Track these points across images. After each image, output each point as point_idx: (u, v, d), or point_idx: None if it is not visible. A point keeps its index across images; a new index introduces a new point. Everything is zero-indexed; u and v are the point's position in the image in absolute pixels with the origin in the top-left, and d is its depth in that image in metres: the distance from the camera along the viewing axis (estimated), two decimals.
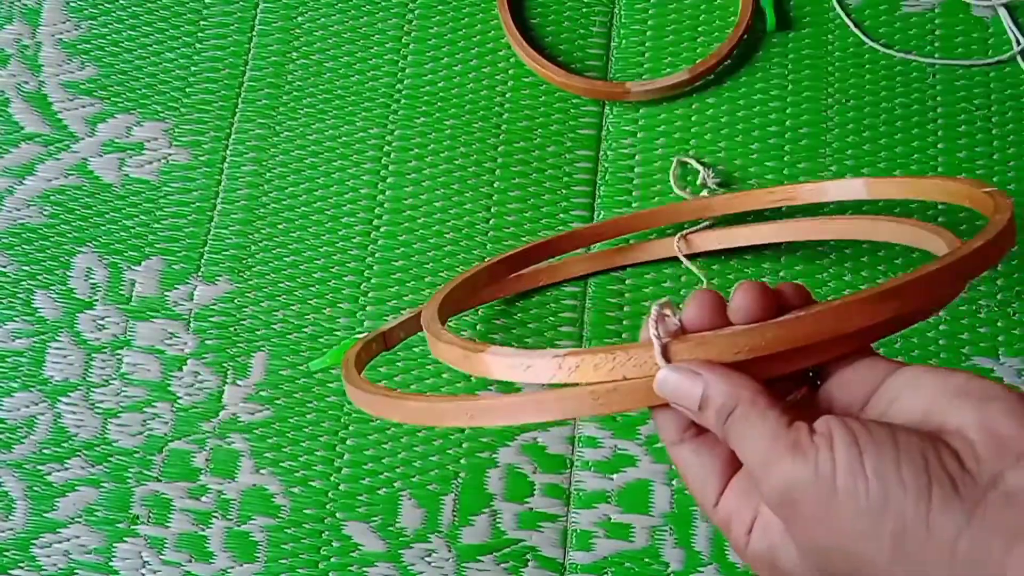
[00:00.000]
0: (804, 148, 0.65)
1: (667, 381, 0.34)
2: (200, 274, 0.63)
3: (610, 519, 0.58)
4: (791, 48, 0.67)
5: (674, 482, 0.58)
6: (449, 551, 0.58)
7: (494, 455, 0.59)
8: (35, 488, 0.59)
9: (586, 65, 0.67)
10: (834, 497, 0.31)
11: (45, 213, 0.65)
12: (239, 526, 0.59)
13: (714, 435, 0.36)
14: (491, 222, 0.64)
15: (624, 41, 0.68)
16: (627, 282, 0.63)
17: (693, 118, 0.66)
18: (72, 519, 0.59)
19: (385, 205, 0.65)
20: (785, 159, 0.65)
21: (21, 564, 0.58)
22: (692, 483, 0.37)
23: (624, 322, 0.62)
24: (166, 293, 0.63)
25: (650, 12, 0.69)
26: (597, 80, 0.67)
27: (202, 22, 0.69)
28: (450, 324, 0.62)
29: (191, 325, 0.62)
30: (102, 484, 0.59)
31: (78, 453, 0.60)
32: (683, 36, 0.68)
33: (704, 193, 0.63)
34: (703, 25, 0.68)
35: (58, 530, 0.59)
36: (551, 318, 0.62)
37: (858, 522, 0.30)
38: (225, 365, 0.62)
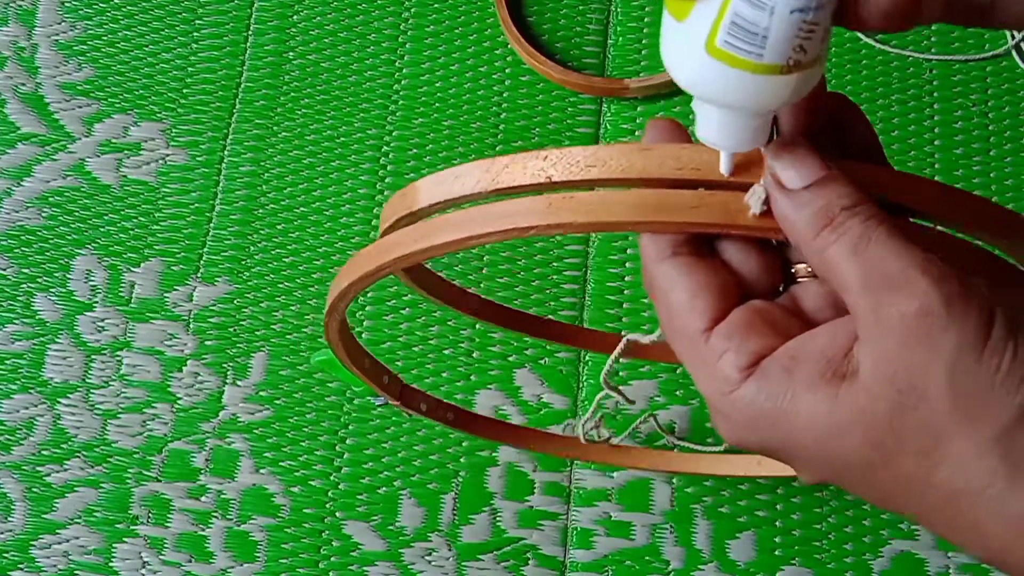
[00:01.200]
0: None
1: (784, 149, 0.29)
2: (199, 275, 0.63)
3: (610, 517, 0.58)
4: None
5: (674, 480, 0.59)
6: (449, 550, 0.58)
7: (494, 453, 0.59)
8: (34, 489, 0.59)
9: (583, 63, 0.67)
10: (978, 351, 0.27)
11: (44, 215, 0.65)
12: (239, 526, 0.59)
13: (714, 255, 0.32)
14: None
15: (621, 39, 0.68)
16: (627, 279, 0.63)
17: (691, 116, 0.66)
18: (71, 520, 0.59)
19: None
20: None
21: (20, 565, 0.58)
22: (675, 303, 0.31)
23: (623, 320, 0.62)
24: (165, 294, 0.63)
25: (646, 9, 0.69)
26: (595, 76, 0.67)
27: (197, 21, 0.69)
28: (447, 317, 0.62)
29: (191, 326, 0.62)
30: (101, 485, 0.59)
31: (77, 454, 0.60)
32: None
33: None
34: None
35: (57, 531, 0.59)
36: (552, 302, 0.62)
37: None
38: (225, 365, 0.62)
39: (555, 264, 0.63)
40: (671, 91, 0.66)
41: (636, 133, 0.66)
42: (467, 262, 0.63)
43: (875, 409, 0.28)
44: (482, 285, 0.62)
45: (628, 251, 0.63)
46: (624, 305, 0.62)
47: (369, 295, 0.63)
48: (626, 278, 0.63)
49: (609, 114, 0.66)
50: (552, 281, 0.63)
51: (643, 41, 0.68)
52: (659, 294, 0.32)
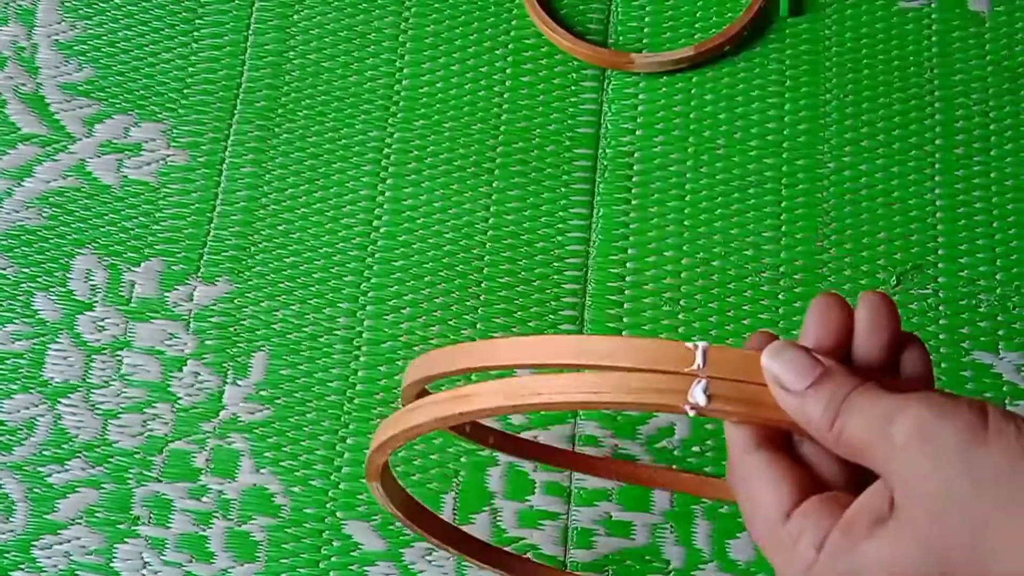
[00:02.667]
0: (802, 144, 0.65)
1: (782, 352, 0.33)
2: (200, 275, 0.63)
3: (611, 517, 0.58)
4: (791, 37, 0.67)
5: None
6: None
7: (494, 453, 0.59)
8: (35, 490, 0.59)
9: (588, 29, 0.68)
10: (981, 437, 0.30)
11: (44, 215, 0.65)
12: (240, 526, 0.59)
13: (786, 449, 0.35)
14: (491, 222, 0.64)
15: (624, 16, 0.68)
16: (627, 279, 0.63)
17: (693, 102, 0.66)
18: (73, 520, 0.59)
19: (385, 206, 0.65)
20: (784, 156, 0.65)
21: (21, 566, 0.58)
22: (760, 493, 0.35)
23: (624, 320, 0.62)
24: (166, 294, 0.63)
25: None
26: (602, 48, 0.67)
27: (198, 21, 0.69)
28: (447, 317, 0.62)
29: (191, 326, 0.62)
30: (102, 485, 0.59)
31: (78, 454, 0.60)
32: (683, 12, 0.69)
33: None
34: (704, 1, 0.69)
35: (59, 531, 0.59)
36: (552, 302, 0.62)
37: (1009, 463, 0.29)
38: (225, 365, 0.62)
39: (555, 264, 0.63)
40: (675, 69, 0.67)
41: (638, 108, 0.66)
42: (467, 262, 0.63)
43: (918, 526, 0.31)
44: (483, 285, 0.62)
45: (629, 251, 0.63)
46: (625, 305, 0.62)
47: (370, 295, 0.63)
48: (627, 278, 0.63)
49: (610, 114, 0.66)
50: (552, 281, 0.63)
51: (646, 20, 0.69)
52: (743, 483, 0.35)
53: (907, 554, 0.31)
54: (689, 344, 0.34)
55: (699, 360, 0.33)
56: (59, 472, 0.60)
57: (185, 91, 0.68)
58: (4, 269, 0.64)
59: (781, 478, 0.34)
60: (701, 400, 0.33)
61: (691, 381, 0.33)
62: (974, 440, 0.30)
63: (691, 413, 0.33)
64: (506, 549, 0.57)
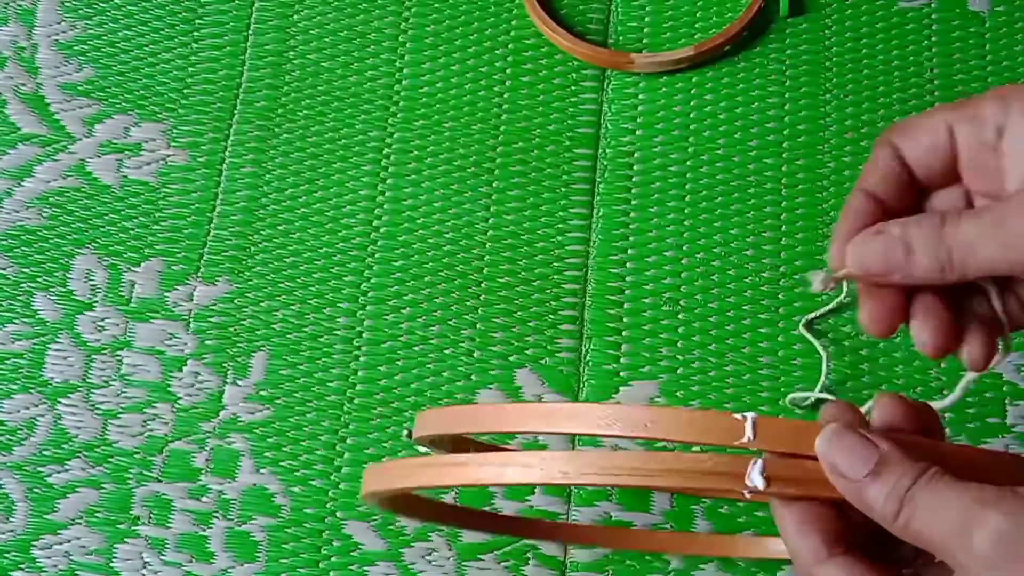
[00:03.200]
0: (802, 145, 0.65)
1: (837, 438, 0.33)
2: (200, 275, 0.63)
3: (611, 517, 0.58)
4: (791, 37, 0.67)
5: None
6: (450, 550, 0.58)
7: None
8: (35, 490, 0.59)
9: (588, 29, 0.68)
10: None
11: (44, 215, 0.65)
12: (240, 526, 0.59)
13: (860, 548, 0.35)
14: (491, 222, 0.64)
15: (624, 16, 0.68)
16: (627, 279, 0.63)
17: (693, 102, 0.66)
18: (73, 520, 0.59)
19: (385, 206, 0.65)
20: (784, 155, 0.65)
21: (22, 566, 0.58)
22: None
23: (624, 320, 0.62)
24: (166, 294, 0.63)
25: None
26: (602, 48, 0.67)
27: (198, 21, 0.69)
28: (447, 317, 0.62)
29: (191, 326, 0.62)
30: (103, 485, 0.59)
31: (78, 454, 0.60)
32: (683, 12, 0.69)
33: None
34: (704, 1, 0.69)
35: (59, 531, 0.59)
36: (551, 316, 0.62)
37: None
38: (225, 365, 0.62)
39: (555, 264, 0.63)
40: (675, 69, 0.67)
41: (638, 108, 0.66)
42: (468, 262, 0.63)
43: None
44: (483, 285, 0.63)
45: (629, 251, 0.63)
46: (625, 305, 0.62)
47: (370, 295, 0.63)
48: (627, 278, 0.63)
49: (610, 114, 0.66)
50: (552, 281, 0.63)
51: (646, 20, 0.68)
52: None
53: None
54: (737, 416, 0.33)
55: (749, 433, 0.33)
56: (59, 472, 0.60)
57: (185, 91, 0.68)
58: (4, 269, 0.64)
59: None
60: (759, 483, 0.32)
61: (747, 462, 0.33)
62: None
63: (748, 496, 0.33)
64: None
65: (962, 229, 0.34)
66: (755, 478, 0.32)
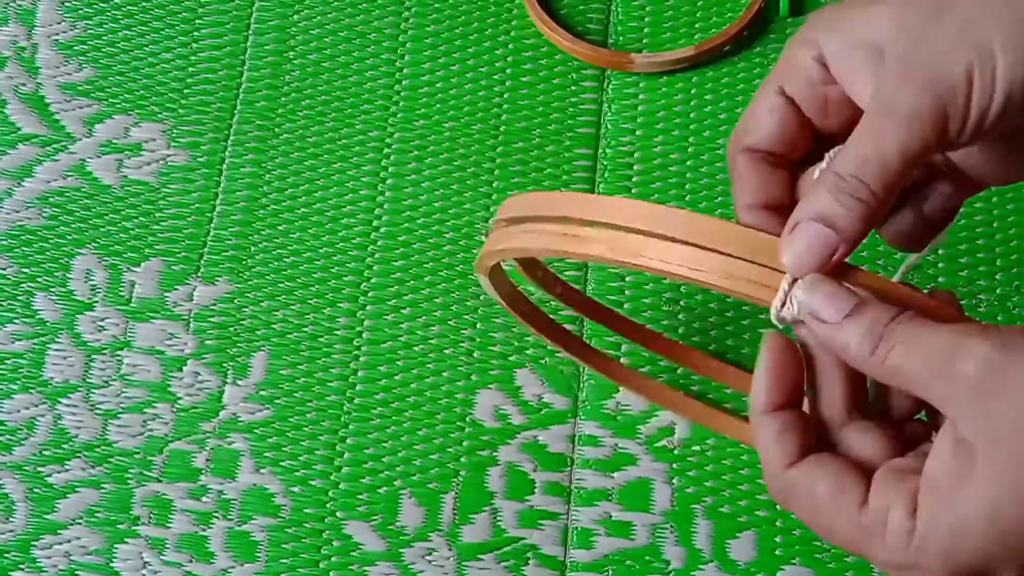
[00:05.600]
0: None
1: (818, 285, 0.33)
2: (200, 275, 0.63)
3: (611, 517, 0.58)
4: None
5: (675, 480, 0.59)
6: (450, 550, 0.58)
7: (494, 453, 0.59)
8: (35, 490, 0.59)
9: (588, 29, 0.68)
10: None
11: (44, 215, 0.65)
12: (240, 526, 0.59)
13: (831, 448, 0.35)
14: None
15: (624, 16, 0.68)
16: (627, 279, 0.63)
17: (693, 102, 0.66)
18: (73, 520, 0.59)
19: (385, 205, 0.65)
20: None
21: (21, 566, 0.58)
22: (823, 495, 0.34)
23: (624, 308, 0.62)
24: (166, 294, 0.63)
25: None
26: (602, 48, 0.67)
27: (198, 21, 0.69)
28: (447, 317, 0.62)
29: (191, 326, 0.62)
30: (103, 485, 0.59)
31: (78, 454, 0.60)
32: (683, 12, 0.69)
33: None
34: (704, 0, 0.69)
35: (59, 531, 0.59)
36: (553, 301, 0.62)
37: None
38: (225, 365, 0.62)
39: (555, 264, 0.63)
40: (675, 69, 0.67)
41: (638, 108, 0.66)
42: (468, 262, 0.63)
43: (1007, 466, 0.30)
44: (479, 311, 0.62)
45: None
46: (625, 305, 0.62)
47: (370, 295, 0.63)
48: (627, 278, 0.63)
49: (610, 114, 0.66)
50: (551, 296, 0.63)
51: (646, 20, 0.69)
52: (797, 495, 0.34)
53: (1004, 495, 0.30)
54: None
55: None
56: (59, 472, 0.60)
57: (185, 91, 0.68)
58: (4, 269, 0.64)
59: (841, 472, 0.34)
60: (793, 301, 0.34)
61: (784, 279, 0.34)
62: None
63: (776, 308, 0.34)
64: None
65: None
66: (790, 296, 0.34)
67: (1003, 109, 0.33)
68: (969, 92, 0.33)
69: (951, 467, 0.31)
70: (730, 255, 0.34)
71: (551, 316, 0.58)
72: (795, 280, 0.34)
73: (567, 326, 0.59)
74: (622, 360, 0.61)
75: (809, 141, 0.39)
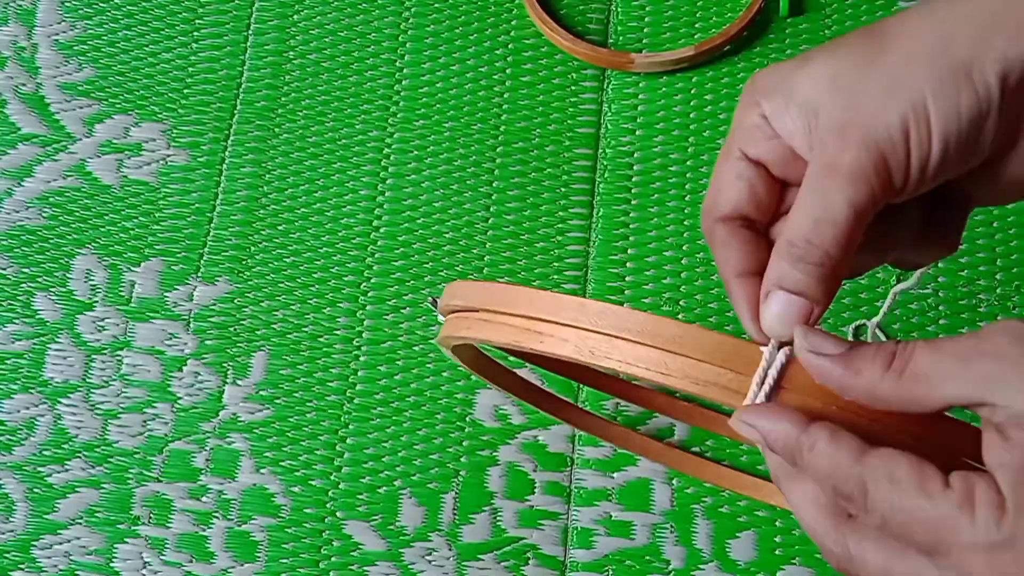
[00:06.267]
0: None
1: (809, 335, 0.33)
2: (200, 275, 0.63)
3: (611, 517, 0.58)
4: (791, 37, 0.67)
5: (674, 480, 0.59)
6: (450, 549, 0.58)
7: (495, 453, 0.59)
8: (36, 490, 0.59)
9: (588, 30, 0.68)
10: None
11: (44, 215, 0.65)
12: (240, 526, 0.59)
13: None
14: (490, 221, 0.64)
15: (624, 16, 0.68)
16: (627, 279, 0.63)
17: (693, 102, 0.66)
18: (73, 520, 0.59)
19: (385, 206, 0.65)
20: None
21: (21, 566, 0.58)
22: (907, 479, 0.32)
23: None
24: (166, 294, 0.63)
25: None
26: (601, 48, 0.67)
27: (198, 21, 0.69)
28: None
29: (191, 325, 0.62)
30: (103, 485, 0.59)
31: (78, 454, 0.60)
32: (682, 12, 0.69)
33: None
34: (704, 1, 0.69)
35: (59, 531, 0.59)
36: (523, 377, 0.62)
37: None
38: (225, 365, 0.62)
39: (555, 264, 0.63)
40: (675, 69, 0.67)
41: (638, 108, 0.66)
42: (468, 263, 0.63)
43: None
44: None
45: (629, 251, 0.63)
46: (624, 306, 0.62)
47: (370, 295, 0.63)
48: (627, 278, 0.63)
49: (610, 113, 0.66)
50: (552, 281, 0.63)
51: (646, 20, 0.68)
52: (877, 480, 0.32)
53: None
54: (764, 349, 0.34)
55: (773, 373, 0.34)
56: (59, 472, 0.60)
57: (185, 91, 0.68)
58: (4, 269, 0.64)
59: (916, 459, 0.32)
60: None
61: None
62: None
63: (753, 393, 0.34)
64: (569, 401, 0.59)
65: None
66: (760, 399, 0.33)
67: (942, 158, 0.34)
68: (907, 145, 0.33)
69: (1016, 444, 0.30)
70: (696, 359, 0.34)
71: (524, 379, 0.57)
72: (781, 346, 0.34)
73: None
74: (617, 420, 0.61)
75: (778, 199, 0.39)
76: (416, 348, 0.61)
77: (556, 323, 0.36)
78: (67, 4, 0.70)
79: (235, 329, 0.62)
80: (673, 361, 0.34)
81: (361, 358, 0.62)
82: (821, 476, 0.33)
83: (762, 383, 0.33)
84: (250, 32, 0.69)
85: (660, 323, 0.34)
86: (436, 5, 0.69)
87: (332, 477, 0.59)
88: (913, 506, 0.31)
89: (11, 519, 0.59)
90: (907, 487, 0.31)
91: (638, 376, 0.34)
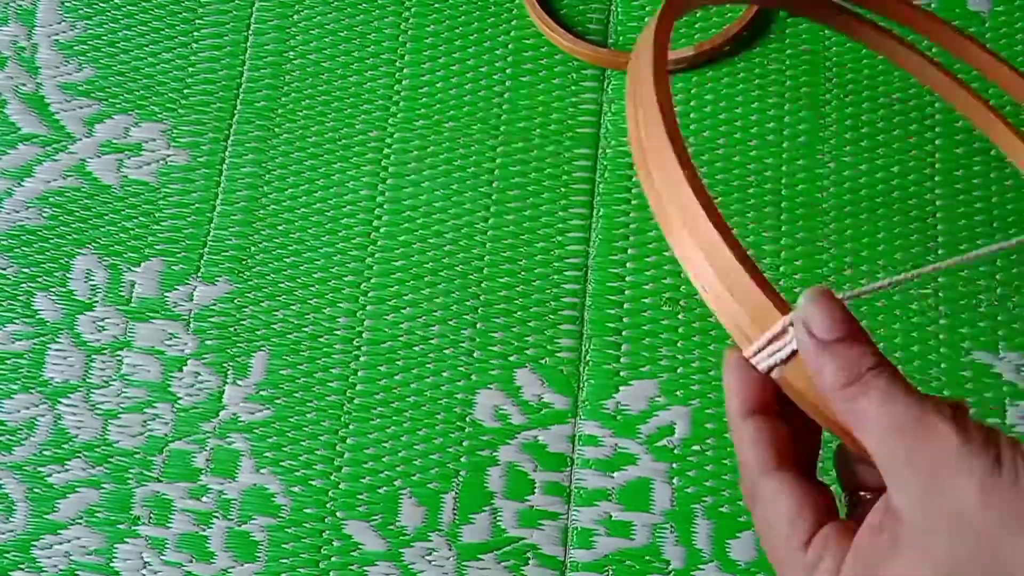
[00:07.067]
0: (802, 145, 0.65)
1: (821, 298, 0.33)
2: (200, 275, 0.63)
3: (611, 517, 0.58)
4: (791, 37, 0.67)
5: (675, 480, 0.59)
6: (450, 549, 0.58)
7: (495, 453, 0.59)
8: (36, 490, 0.59)
9: (588, 29, 0.68)
10: (997, 470, 0.30)
11: (44, 215, 0.65)
12: (240, 526, 0.59)
13: (803, 469, 0.35)
14: (490, 222, 0.64)
15: (624, 16, 0.68)
16: (627, 279, 0.63)
17: (693, 102, 0.66)
18: (73, 520, 0.59)
19: (385, 206, 0.65)
20: (783, 155, 0.65)
21: (22, 566, 0.58)
22: (779, 520, 0.35)
23: (624, 320, 0.62)
24: (166, 294, 0.63)
25: None
26: (601, 48, 0.67)
27: (198, 21, 0.69)
28: (447, 317, 0.62)
29: (191, 326, 0.62)
30: (103, 485, 0.59)
31: (79, 454, 0.60)
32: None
33: None
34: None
35: (59, 531, 0.59)
36: (552, 302, 0.62)
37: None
38: (225, 365, 0.62)
39: (555, 264, 0.63)
40: (675, 69, 0.67)
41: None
42: (468, 262, 0.63)
43: (934, 551, 0.31)
44: (483, 285, 0.63)
45: (629, 251, 0.63)
46: (625, 305, 0.62)
47: (370, 295, 0.63)
48: (627, 278, 0.63)
49: (611, 114, 0.66)
50: (552, 281, 0.63)
51: (645, 20, 0.68)
52: (759, 505, 0.35)
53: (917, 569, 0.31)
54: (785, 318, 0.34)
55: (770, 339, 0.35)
56: (59, 472, 0.60)
57: (185, 91, 0.68)
58: (4, 269, 0.64)
59: (803, 503, 0.34)
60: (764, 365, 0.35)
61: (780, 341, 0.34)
62: (991, 473, 0.30)
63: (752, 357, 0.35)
64: None
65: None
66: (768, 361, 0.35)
67: None
68: None
69: (880, 542, 0.32)
70: (730, 294, 0.35)
71: None
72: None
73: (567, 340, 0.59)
74: (622, 360, 0.61)
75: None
76: (416, 348, 0.61)
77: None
78: (67, 4, 0.70)
79: (235, 329, 0.62)
80: (713, 286, 0.35)
81: (361, 358, 0.62)
82: (739, 462, 0.36)
83: (766, 347, 0.34)
84: (250, 32, 0.69)
85: (720, 249, 0.35)
86: (436, 5, 0.69)
87: (332, 477, 0.59)
88: (773, 544, 0.35)
89: (11, 519, 0.59)
90: (775, 527, 0.34)
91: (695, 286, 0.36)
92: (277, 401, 0.61)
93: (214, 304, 0.63)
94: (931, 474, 0.31)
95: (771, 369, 0.35)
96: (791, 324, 0.34)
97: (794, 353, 0.34)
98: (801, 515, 0.34)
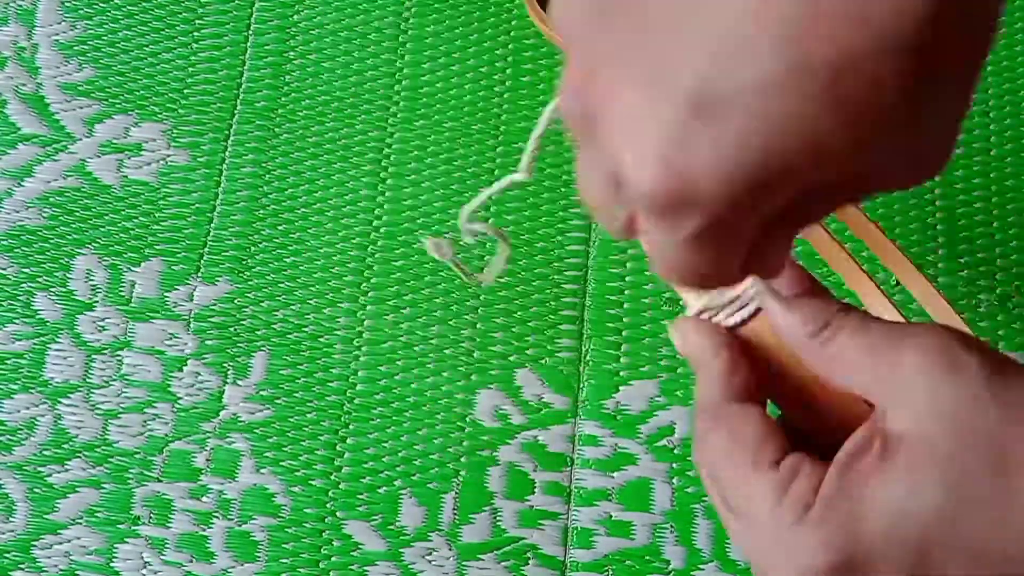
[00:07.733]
0: None
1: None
2: (200, 275, 0.63)
3: (611, 517, 0.58)
4: None
5: (675, 480, 0.59)
6: (450, 549, 0.58)
7: (495, 453, 0.59)
8: (36, 490, 0.59)
9: None
10: (1009, 369, 0.29)
11: (44, 215, 0.65)
12: (240, 526, 0.59)
13: (762, 394, 0.35)
14: (490, 221, 0.64)
15: None
16: (627, 279, 0.63)
17: None
18: (73, 520, 0.59)
19: (385, 206, 0.65)
20: None
21: (22, 566, 0.58)
22: (750, 436, 0.33)
23: (624, 320, 0.62)
24: (166, 294, 0.63)
25: None
26: None
27: (198, 21, 0.69)
28: (447, 317, 0.62)
29: (191, 326, 0.62)
30: (103, 485, 0.59)
31: (79, 454, 0.60)
32: None
33: None
34: None
35: (59, 531, 0.59)
36: (552, 302, 0.62)
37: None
38: (225, 365, 0.62)
39: (555, 264, 0.63)
40: None
41: None
42: (468, 262, 0.63)
43: (938, 453, 0.29)
44: (483, 284, 0.63)
45: (629, 251, 0.63)
46: (625, 305, 0.62)
47: (370, 295, 0.63)
48: (627, 278, 0.63)
49: None
50: (552, 281, 0.63)
51: None
52: (727, 425, 0.33)
53: (922, 488, 0.29)
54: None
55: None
56: (59, 472, 0.60)
57: (185, 91, 0.68)
58: (4, 269, 0.64)
59: (772, 429, 0.33)
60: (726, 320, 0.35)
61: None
62: (1001, 370, 0.29)
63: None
64: None
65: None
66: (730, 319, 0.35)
67: None
68: None
69: (870, 452, 0.30)
70: None
71: None
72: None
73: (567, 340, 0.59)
74: (622, 360, 0.61)
75: None
76: (416, 348, 0.61)
77: None
78: (67, 4, 0.70)
79: (235, 329, 0.62)
80: None
81: (361, 358, 0.62)
82: (697, 400, 0.35)
83: (727, 306, 0.35)
84: (250, 32, 0.69)
85: None
86: (436, 5, 0.69)
87: (332, 477, 0.59)
88: (734, 474, 0.33)
89: (11, 519, 0.59)
90: (740, 451, 0.33)
91: None
92: (277, 401, 0.61)
93: (214, 304, 0.63)
94: (928, 378, 0.30)
95: (735, 327, 0.35)
96: (751, 286, 0.34)
97: (757, 311, 0.34)
98: (771, 438, 0.33)
